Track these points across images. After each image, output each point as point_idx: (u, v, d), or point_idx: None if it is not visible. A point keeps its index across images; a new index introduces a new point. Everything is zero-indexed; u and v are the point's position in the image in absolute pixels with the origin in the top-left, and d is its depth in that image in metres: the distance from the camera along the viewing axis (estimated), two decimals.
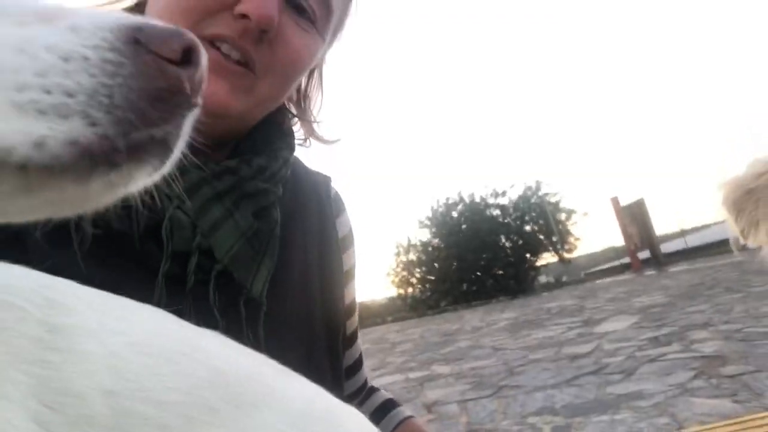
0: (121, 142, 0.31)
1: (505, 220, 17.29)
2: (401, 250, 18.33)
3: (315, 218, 0.87)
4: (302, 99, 0.90)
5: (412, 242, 18.06)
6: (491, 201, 17.53)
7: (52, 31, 0.31)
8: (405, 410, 0.91)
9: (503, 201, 17.54)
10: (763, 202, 0.78)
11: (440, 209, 17.56)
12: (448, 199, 17.58)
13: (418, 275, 17.95)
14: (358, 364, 0.97)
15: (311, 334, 0.80)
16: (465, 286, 16.61)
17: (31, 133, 0.29)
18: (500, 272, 16.54)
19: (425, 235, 17.83)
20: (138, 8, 0.76)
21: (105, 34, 0.32)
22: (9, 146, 0.28)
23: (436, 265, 17.02)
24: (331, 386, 0.56)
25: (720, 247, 17.76)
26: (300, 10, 0.75)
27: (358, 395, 0.95)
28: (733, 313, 5.38)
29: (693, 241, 18.84)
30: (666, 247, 18.09)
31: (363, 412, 0.65)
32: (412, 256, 18.00)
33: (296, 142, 0.86)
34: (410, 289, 18.15)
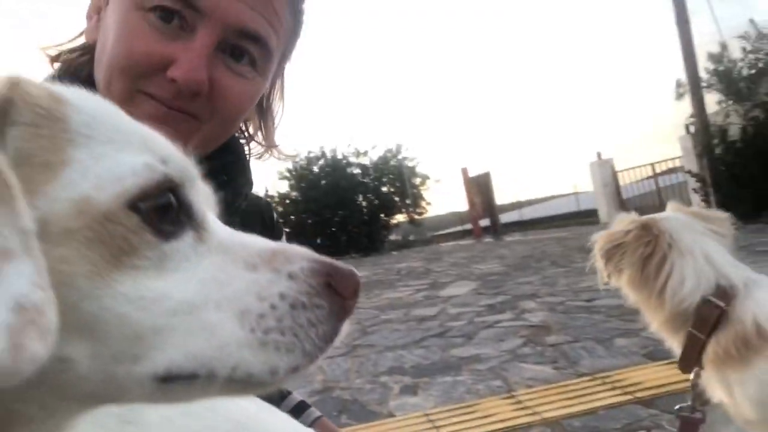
0: (317, 359, 0.45)
1: (364, 180, 17.69)
2: None
3: None
4: (265, 112, 0.93)
5: (270, 193, 17.85)
6: (353, 159, 17.81)
7: (278, 279, 0.43)
8: (316, 411, 1.00)
9: (364, 161, 17.92)
10: (628, 255, 0.98)
11: (301, 162, 17.47)
12: (310, 152, 17.53)
13: None
14: None
15: None
16: (319, 240, 16.86)
17: (269, 364, 0.41)
18: (355, 229, 17.00)
19: (284, 187, 17.69)
20: (86, 52, 0.82)
21: (311, 281, 0.44)
22: (250, 372, 0.41)
23: (292, 218, 17.00)
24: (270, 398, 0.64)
25: (550, 221, 19.95)
26: (236, 56, 0.79)
27: (275, 396, 1.02)
28: (558, 286, 6.16)
29: (527, 213, 20.90)
30: (504, 218, 19.85)
31: (282, 410, 0.72)
32: None
33: (253, 155, 0.90)
34: None
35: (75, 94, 0.46)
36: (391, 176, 17.98)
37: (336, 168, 17.32)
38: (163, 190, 0.43)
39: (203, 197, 0.51)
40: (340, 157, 17.64)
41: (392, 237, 18.81)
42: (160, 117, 0.74)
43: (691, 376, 0.98)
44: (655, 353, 3.26)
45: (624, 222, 1.03)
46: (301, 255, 0.46)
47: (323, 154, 17.62)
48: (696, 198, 12.92)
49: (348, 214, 17.00)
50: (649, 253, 1.00)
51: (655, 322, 1.02)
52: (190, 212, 0.46)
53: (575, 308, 4.91)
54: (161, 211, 0.43)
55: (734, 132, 11.05)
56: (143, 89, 0.75)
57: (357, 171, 17.82)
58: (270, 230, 1.00)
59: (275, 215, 1.03)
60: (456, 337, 4.54)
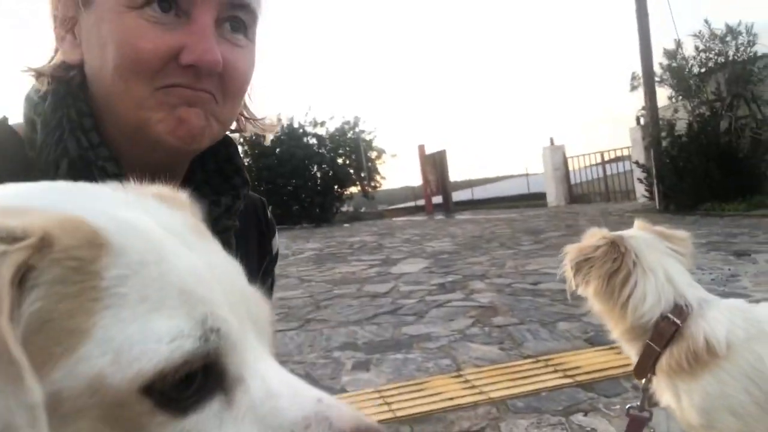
0: None
1: (320, 150, 17.54)
2: None
3: (255, 239, 0.95)
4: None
5: None
6: (309, 129, 17.59)
7: None
8: None
9: (321, 131, 17.74)
10: (596, 268, 1.06)
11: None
12: (265, 119, 17.18)
13: None
14: None
15: None
16: (270, 208, 16.71)
17: None
18: (308, 199, 16.91)
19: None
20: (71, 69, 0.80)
21: None
22: None
23: None
24: None
25: (501, 202, 20.40)
26: (233, 28, 0.81)
27: None
28: (505, 267, 6.37)
29: (479, 193, 21.28)
30: (456, 196, 20.15)
31: None
32: None
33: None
34: None
35: (120, 234, 0.42)
36: (347, 148, 17.89)
37: (292, 137, 17.08)
38: (190, 364, 0.39)
39: (252, 331, 0.46)
40: (296, 126, 17.39)
41: (344, 209, 18.83)
42: (191, 100, 0.76)
43: (643, 381, 1.07)
44: (595, 339, 3.45)
45: (594, 237, 1.11)
46: (345, 421, 0.42)
47: (279, 122, 17.33)
48: (640, 187, 13.49)
49: (302, 183, 16.86)
50: (615, 268, 1.08)
51: (615, 331, 1.11)
52: (222, 377, 0.42)
53: (522, 290, 5.11)
54: (184, 382, 0.40)
55: (681, 127, 11.56)
56: (163, 84, 0.75)
57: (313, 141, 17.64)
58: (264, 229, 1.04)
59: (269, 212, 1.06)
60: (408, 315, 4.65)
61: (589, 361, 3.17)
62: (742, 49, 11.54)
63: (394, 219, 17.62)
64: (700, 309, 1.02)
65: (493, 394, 2.84)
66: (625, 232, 1.13)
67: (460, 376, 3.16)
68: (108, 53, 0.74)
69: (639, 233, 1.12)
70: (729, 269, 5.07)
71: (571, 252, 1.13)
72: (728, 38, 11.62)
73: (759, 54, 11.52)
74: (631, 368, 1.15)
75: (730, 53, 11.55)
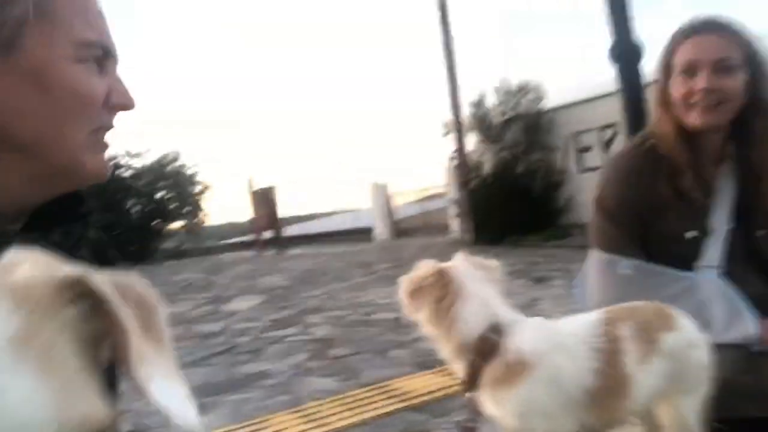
0: None
1: (137, 184, 16.42)
2: None
3: None
4: None
5: None
6: (123, 161, 16.38)
7: None
8: None
9: (137, 164, 16.65)
10: (426, 297, 1.22)
11: None
12: None
13: None
14: None
15: None
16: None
17: None
18: (122, 236, 15.62)
19: None
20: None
21: None
22: None
23: None
24: None
25: (332, 237, 20.80)
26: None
27: None
28: (340, 300, 6.54)
29: (310, 227, 21.48)
30: (288, 231, 20.11)
31: None
32: None
33: None
34: None
35: None
36: (168, 182, 17.01)
37: None
38: None
39: None
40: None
41: (166, 245, 17.73)
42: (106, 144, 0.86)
43: (470, 395, 1.25)
44: (425, 363, 3.72)
45: (425, 268, 1.27)
46: None
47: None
48: (456, 222, 14.78)
49: (115, 219, 15.57)
50: (442, 296, 1.25)
51: (445, 351, 1.27)
52: None
53: (356, 322, 5.30)
54: None
55: (488, 168, 13.08)
56: (99, 126, 0.83)
57: (128, 173, 16.46)
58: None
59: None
60: (243, 353, 4.55)
61: (421, 384, 3.40)
62: (532, 104, 13.51)
63: (222, 255, 17.03)
64: (513, 327, 1.23)
65: (334, 426, 2.92)
66: (449, 263, 1.31)
67: (300, 411, 3.19)
68: (46, 98, 0.78)
69: (460, 264, 1.31)
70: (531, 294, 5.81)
71: (404, 282, 1.28)
72: (519, 94, 13.52)
73: (545, 109, 13.58)
74: (458, 387, 1.32)
75: (523, 107, 13.44)
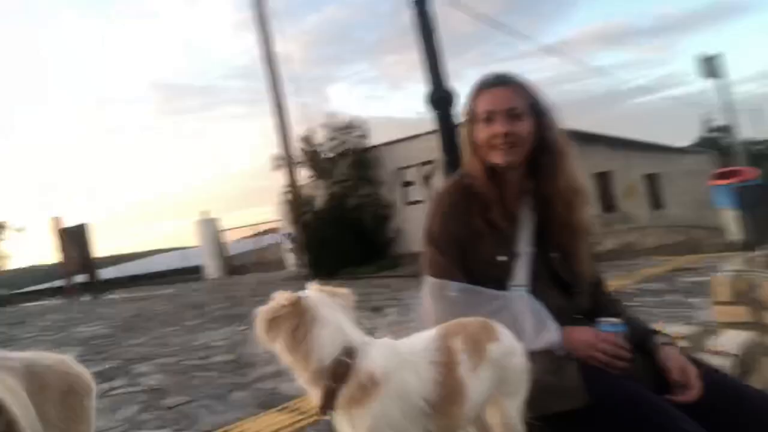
0: None
1: None
2: None
3: None
4: None
5: None
6: None
7: None
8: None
9: None
10: (282, 326, 1.27)
11: None
12: None
13: None
14: None
15: None
16: None
17: None
18: None
19: None
20: None
21: None
22: None
23: None
24: None
25: (155, 278, 19.35)
26: None
27: None
28: (171, 346, 6.15)
29: (129, 269, 19.79)
30: (103, 273, 18.34)
31: None
32: None
33: None
34: None
35: None
36: None
37: None
38: None
39: None
40: None
41: None
42: None
43: (327, 417, 1.32)
44: (269, 402, 3.68)
45: (280, 298, 1.33)
46: None
47: None
48: (291, 257, 14.72)
49: None
50: (297, 325, 1.31)
51: (302, 378, 1.32)
52: None
53: (191, 367, 5.03)
54: None
55: (320, 202, 13.32)
56: None
57: None
58: None
59: None
60: None
61: (265, 424, 3.35)
62: (358, 140, 14.16)
63: (25, 305, 14.95)
64: (364, 349, 1.33)
65: None
66: (303, 293, 1.38)
67: None
68: None
69: (314, 293, 1.39)
70: (369, 323, 6.04)
71: (260, 312, 1.32)
72: (347, 130, 14.12)
73: (371, 145, 14.32)
74: (301, 424, 1.36)
75: (350, 143, 14.03)
